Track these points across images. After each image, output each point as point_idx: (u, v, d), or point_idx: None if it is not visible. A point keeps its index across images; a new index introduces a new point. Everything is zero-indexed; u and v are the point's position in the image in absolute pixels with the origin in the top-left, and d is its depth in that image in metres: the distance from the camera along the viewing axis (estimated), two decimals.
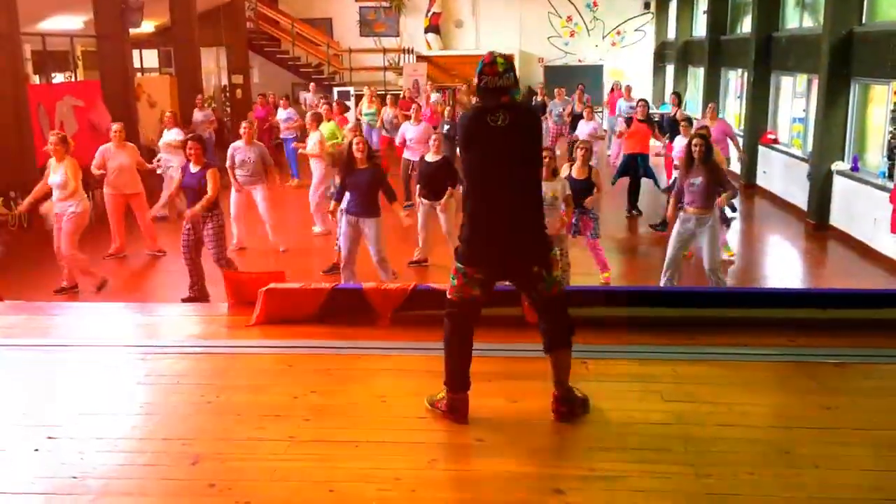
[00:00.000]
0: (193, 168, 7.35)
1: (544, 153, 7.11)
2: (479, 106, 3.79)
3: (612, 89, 19.29)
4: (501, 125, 3.67)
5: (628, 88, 16.96)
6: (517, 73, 3.90)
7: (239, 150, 9.43)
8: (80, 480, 3.41)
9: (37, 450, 3.68)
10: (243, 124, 9.69)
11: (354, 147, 7.28)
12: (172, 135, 11.18)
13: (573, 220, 7.88)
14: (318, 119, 11.02)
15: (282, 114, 15.26)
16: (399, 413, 4.03)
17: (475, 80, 3.80)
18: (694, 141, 7.28)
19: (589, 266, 8.28)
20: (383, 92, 19.29)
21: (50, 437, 3.78)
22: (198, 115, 15.06)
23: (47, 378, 4.55)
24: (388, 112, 14.56)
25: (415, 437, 3.84)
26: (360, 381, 4.40)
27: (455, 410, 3.88)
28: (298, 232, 10.70)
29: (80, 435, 3.82)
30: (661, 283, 7.35)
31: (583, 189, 7.84)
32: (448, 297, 3.86)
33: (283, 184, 10.95)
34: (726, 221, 8.95)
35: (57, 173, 7.77)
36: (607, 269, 8.25)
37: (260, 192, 9.55)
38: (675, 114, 12.66)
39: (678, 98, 13.71)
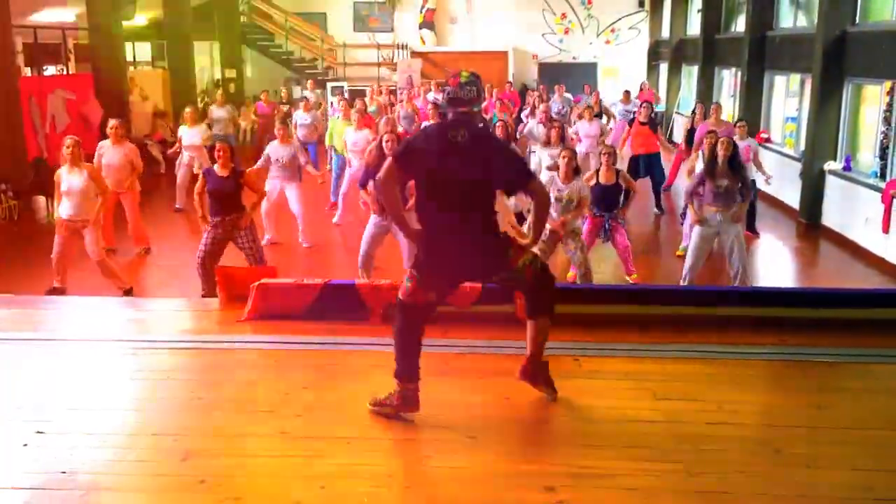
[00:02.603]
0: (221, 172, 7.05)
1: (563, 153, 7.12)
2: (439, 123, 3.89)
3: (641, 89, 18.89)
4: (461, 142, 3.71)
5: (626, 93, 16.75)
6: (484, 88, 3.95)
7: (274, 149, 9.52)
8: (70, 475, 3.40)
9: (26, 444, 3.66)
10: (277, 124, 9.82)
11: (385, 143, 7.11)
12: (196, 133, 11.31)
13: (604, 226, 7.82)
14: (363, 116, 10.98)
15: (302, 117, 13.14)
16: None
17: (443, 94, 3.88)
18: (722, 141, 7.08)
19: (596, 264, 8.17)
20: (394, 87, 19.21)
21: (39, 432, 3.76)
22: (218, 112, 14.01)
23: (37, 372, 4.53)
24: (403, 108, 14.48)
25: (407, 434, 3.84)
26: (351, 378, 4.39)
27: (408, 401, 3.91)
28: (326, 229, 10.63)
29: (70, 430, 3.80)
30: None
31: (612, 194, 7.74)
32: (399, 297, 3.91)
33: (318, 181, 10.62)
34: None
35: (77, 180, 7.37)
36: (633, 272, 8.02)
37: (294, 191, 9.58)
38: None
39: (704, 109, 12.60)
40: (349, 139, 10.56)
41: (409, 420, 3.89)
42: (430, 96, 16.03)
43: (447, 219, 3.79)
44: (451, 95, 3.79)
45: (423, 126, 11.81)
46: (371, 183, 7.30)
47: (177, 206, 11.63)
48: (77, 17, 15.80)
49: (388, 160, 3.86)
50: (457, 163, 3.71)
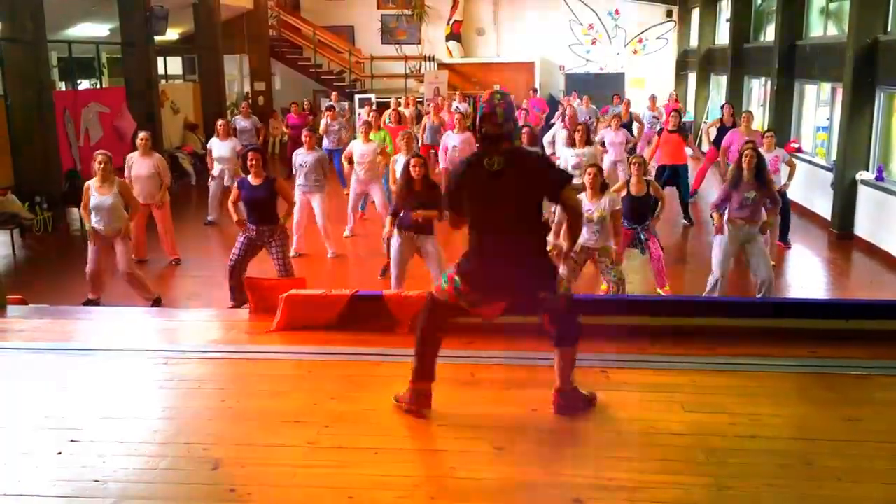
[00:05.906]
0: (254, 181, 7.13)
1: (588, 170, 6.95)
2: (477, 153, 3.91)
3: (668, 100, 18.84)
4: (497, 169, 3.76)
5: (652, 98, 16.71)
6: (517, 116, 4.02)
7: (299, 155, 9.64)
8: (102, 484, 3.44)
9: (59, 453, 3.71)
10: (304, 131, 9.97)
11: (411, 168, 6.99)
12: (227, 146, 11.38)
13: (639, 237, 7.76)
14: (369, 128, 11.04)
15: (329, 124, 13.73)
16: (418, 420, 4.02)
17: (477, 126, 3.89)
18: (746, 152, 7.00)
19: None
20: (421, 99, 19.28)
21: (72, 441, 3.81)
22: (244, 123, 14.23)
23: (70, 381, 4.60)
24: (430, 119, 14.55)
25: (434, 445, 3.85)
26: (379, 388, 4.40)
27: (418, 400, 4.02)
28: (351, 240, 10.73)
29: (102, 438, 3.85)
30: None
31: (643, 205, 7.66)
32: (432, 292, 4.06)
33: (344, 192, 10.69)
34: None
35: (106, 197, 7.44)
36: (666, 283, 7.91)
37: (318, 200, 9.65)
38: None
39: (733, 110, 12.87)
40: (356, 151, 10.49)
41: (437, 431, 3.90)
42: (454, 106, 16.10)
43: (496, 243, 3.85)
44: (490, 133, 3.80)
45: (446, 135, 11.84)
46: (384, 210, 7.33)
47: (208, 218, 11.75)
48: (110, 31, 16.07)
49: (448, 213, 4.02)
50: (498, 191, 3.77)
